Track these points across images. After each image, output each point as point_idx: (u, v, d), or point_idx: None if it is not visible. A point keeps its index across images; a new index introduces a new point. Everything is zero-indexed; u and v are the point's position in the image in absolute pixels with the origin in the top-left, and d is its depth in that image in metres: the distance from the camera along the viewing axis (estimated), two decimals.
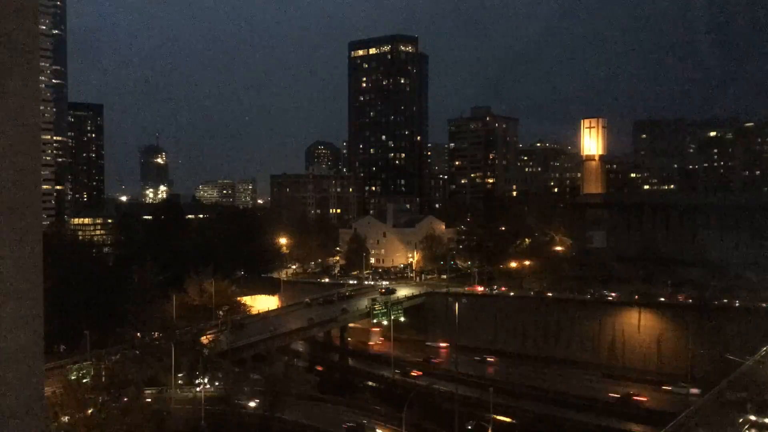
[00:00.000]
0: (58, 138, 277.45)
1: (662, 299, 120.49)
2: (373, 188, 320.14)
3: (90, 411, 59.79)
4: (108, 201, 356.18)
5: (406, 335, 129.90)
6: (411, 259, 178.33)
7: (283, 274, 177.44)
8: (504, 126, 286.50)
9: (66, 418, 58.90)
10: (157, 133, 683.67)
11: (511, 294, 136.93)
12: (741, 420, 60.32)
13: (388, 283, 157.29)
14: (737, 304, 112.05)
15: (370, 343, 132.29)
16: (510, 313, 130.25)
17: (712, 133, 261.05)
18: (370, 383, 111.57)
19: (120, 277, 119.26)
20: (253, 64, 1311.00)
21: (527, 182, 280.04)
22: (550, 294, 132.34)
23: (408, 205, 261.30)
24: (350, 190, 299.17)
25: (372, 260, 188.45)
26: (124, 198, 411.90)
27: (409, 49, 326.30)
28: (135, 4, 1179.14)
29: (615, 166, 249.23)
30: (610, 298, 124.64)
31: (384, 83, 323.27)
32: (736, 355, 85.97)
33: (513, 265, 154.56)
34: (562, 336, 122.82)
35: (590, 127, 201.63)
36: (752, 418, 60.27)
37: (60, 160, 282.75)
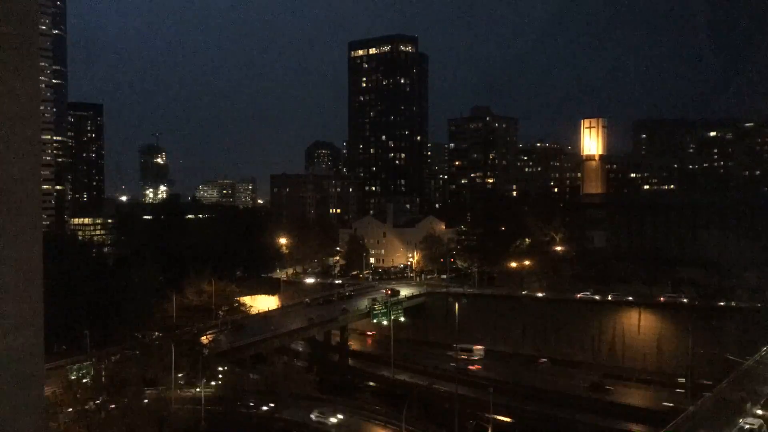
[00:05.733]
0: (58, 138, 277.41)
1: (662, 299, 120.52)
2: (373, 188, 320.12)
3: (90, 411, 59.83)
4: (108, 201, 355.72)
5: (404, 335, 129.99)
6: (411, 259, 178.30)
7: (282, 275, 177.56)
8: (504, 126, 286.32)
9: (66, 418, 58.94)
10: (157, 133, 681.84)
11: (511, 294, 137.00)
12: (741, 420, 60.31)
13: (392, 286, 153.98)
14: (737, 304, 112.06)
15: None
16: (510, 313, 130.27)
17: (712, 133, 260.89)
18: (370, 383, 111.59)
19: (120, 277, 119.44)
20: (253, 63, 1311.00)
21: (527, 182, 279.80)
22: (549, 294, 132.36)
23: (408, 205, 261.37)
24: (350, 190, 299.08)
25: (372, 260, 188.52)
26: (124, 198, 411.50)
27: (409, 49, 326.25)
28: (135, 4, 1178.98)
29: (615, 166, 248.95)
30: (610, 298, 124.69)
31: (384, 83, 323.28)
32: (736, 355, 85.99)
33: (513, 265, 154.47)
34: (562, 336, 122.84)
35: (590, 127, 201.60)
36: (751, 418, 60.27)
37: (60, 160, 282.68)
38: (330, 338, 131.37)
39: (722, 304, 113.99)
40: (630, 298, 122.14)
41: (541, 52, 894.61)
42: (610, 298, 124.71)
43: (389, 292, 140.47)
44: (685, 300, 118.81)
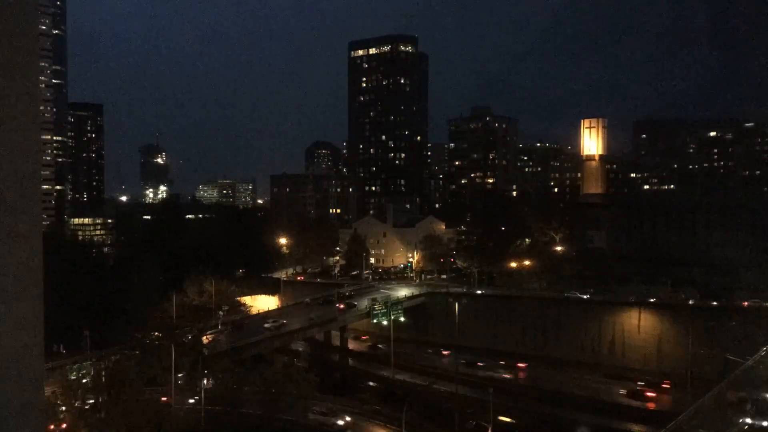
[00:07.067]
0: (58, 138, 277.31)
1: (662, 299, 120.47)
2: (373, 188, 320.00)
3: (90, 411, 59.82)
4: (108, 201, 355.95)
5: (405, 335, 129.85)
6: (411, 259, 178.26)
7: (282, 274, 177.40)
8: (504, 126, 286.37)
9: (66, 418, 58.92)
10: (157, 133, 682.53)
11: (511, 294, 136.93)
12: (741, 420, 60.28)
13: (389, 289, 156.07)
14: (737, 304, 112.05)
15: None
16: (510, 313, 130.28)
17: (712, 133, 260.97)
18: (370, 383, 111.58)
19: (120, 277, 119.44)
20: (253, 63, 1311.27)
21: (527, 182, 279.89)
22: (549, 294, 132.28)
23: (408, 205, 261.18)
24: (350, 190, 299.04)
25: (372, 260, 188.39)
26: (124, 198, 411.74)
27: (409, 49, 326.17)
28: (135, 4, 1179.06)
29: (615, 166, 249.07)
30: (608, 299, 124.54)
31: (384, 83, 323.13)
32: (736, 355, 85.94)
33: (513, 265, 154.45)
34: (562, 336, 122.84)
35: (590, 127, 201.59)
36: (749, 420, 60.24)
37: (60, 160, 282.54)
38: (330, 338, 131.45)
39: (722, 304, 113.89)
40: (631, 298, 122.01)
41: (541, 52, 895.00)
42: (608, 298, 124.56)
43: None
44: (692, 302, 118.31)
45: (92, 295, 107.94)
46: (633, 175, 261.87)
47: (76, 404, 60.10)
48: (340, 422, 74.51)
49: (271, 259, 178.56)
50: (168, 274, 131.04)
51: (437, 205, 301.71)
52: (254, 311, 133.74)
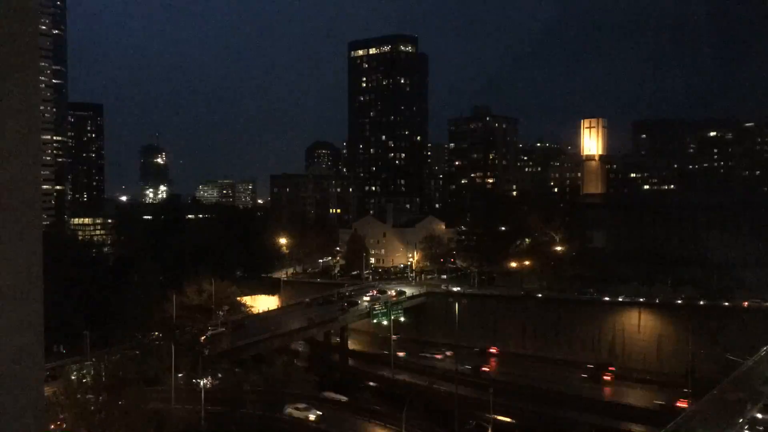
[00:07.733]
0: (58, 138, 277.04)
1: (662, 299, 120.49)
2: (373, 188, 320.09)
3: (90, 411, 59.81)
4: (108, 201, 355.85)
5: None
6: (411, 259, 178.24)
7: (282, 274, 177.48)
8: (504, 126, 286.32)
9: (66, 418, 58.92)
10: (157, 133, 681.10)
11: (511, 294, 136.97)
12: (741, 420, 60.27)
13: (392, 286, 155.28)
14: (737, 304, 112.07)
15: None
16: (510, 313, 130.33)
17: (712, 133, 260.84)
18: (370, 383, 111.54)
19: (120, 277, 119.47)
20: (253, 64, 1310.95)
21: (527, 182, 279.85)
22: (550, 294, 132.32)
23: (408, 205, 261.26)
24: (350, 190, 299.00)
25: (372, 260, 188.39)
26: (124, 198, 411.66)
27: (409, 49, 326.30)
28: (135, 4, 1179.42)
29: (615, 166, 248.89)
30: (608, 299, 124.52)
31: (384, 83, 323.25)
32: (736, 355, 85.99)
33: (513, 265, 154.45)
34: (562, 336, 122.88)
35: (590, 127, 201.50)
36: (756, 415, 60.23)
37: (60, 160, 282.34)
38: (330, 338, 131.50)
39: (722, 304, 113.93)
40: (631, 298, 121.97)
41: (541, 52, 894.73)
42: (608, 298, 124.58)
43: (395, 296, 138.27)
44: (692, 302, 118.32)
45: (92, 295, 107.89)
46: (633, 175, 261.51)
47: (76, 404, 60.05)
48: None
49: (271, 259, 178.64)
50: (168, 274, 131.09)
51: (437, 205, 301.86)
52: (254, 311, 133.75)
